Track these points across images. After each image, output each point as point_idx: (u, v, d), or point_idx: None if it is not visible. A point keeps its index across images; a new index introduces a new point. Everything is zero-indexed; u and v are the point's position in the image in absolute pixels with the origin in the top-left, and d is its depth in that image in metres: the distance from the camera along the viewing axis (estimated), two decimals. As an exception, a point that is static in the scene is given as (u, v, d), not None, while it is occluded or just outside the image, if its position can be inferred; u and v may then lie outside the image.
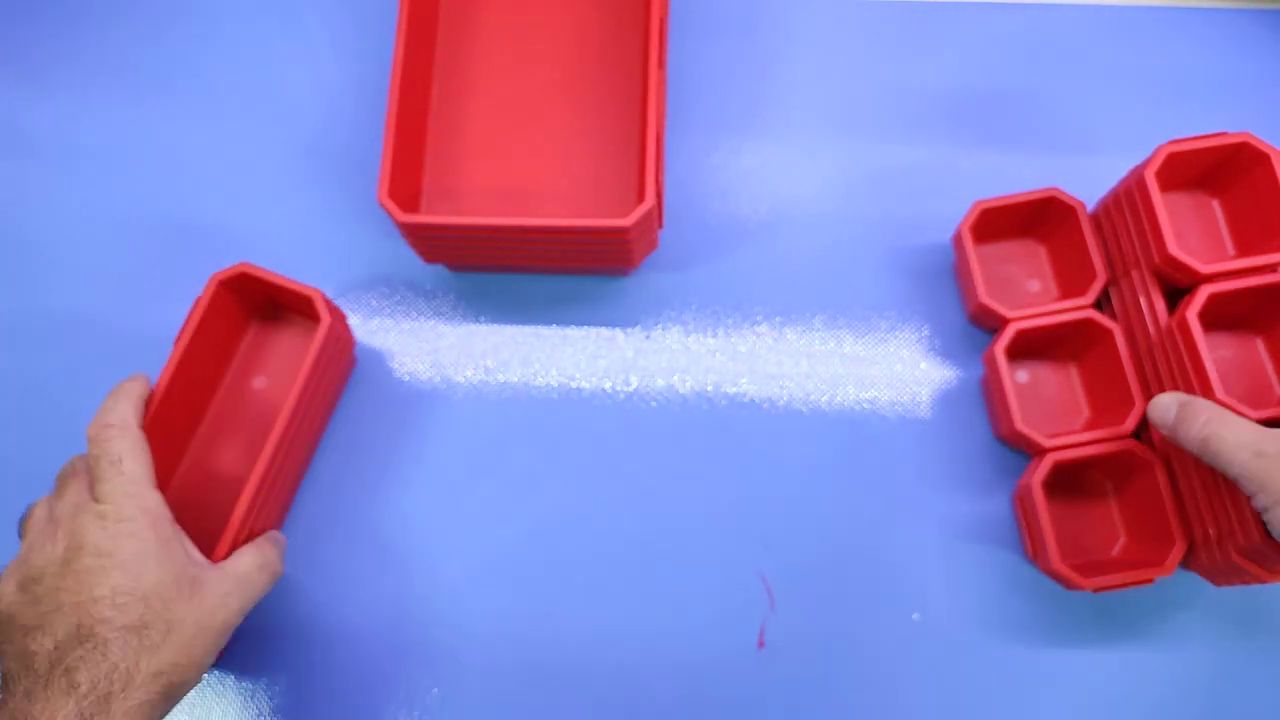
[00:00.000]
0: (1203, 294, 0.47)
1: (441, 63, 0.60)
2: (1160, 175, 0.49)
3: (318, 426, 0.54)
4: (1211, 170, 0.52)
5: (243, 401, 0.55)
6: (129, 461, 0.42)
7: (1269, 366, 0.50)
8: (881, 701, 0.52)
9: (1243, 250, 0.51)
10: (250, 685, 0.52)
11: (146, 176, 0.60)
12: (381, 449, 0.56)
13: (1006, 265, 0.57)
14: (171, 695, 0.39)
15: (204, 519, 0.52)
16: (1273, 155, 0.49)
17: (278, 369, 0.55)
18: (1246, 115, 0.60)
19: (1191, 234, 0.52)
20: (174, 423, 0.52)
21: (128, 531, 0.40)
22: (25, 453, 0.55)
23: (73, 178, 0.60)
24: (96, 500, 0.41)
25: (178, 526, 0.43)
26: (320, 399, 0.53)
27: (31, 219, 0.60)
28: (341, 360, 0.54)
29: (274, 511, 0.52)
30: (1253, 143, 0.49)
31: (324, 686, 0.52)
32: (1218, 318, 0.49)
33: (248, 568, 0.44)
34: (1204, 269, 0.47)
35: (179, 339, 0.51)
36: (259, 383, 0.55)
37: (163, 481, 0.52)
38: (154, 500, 0.42)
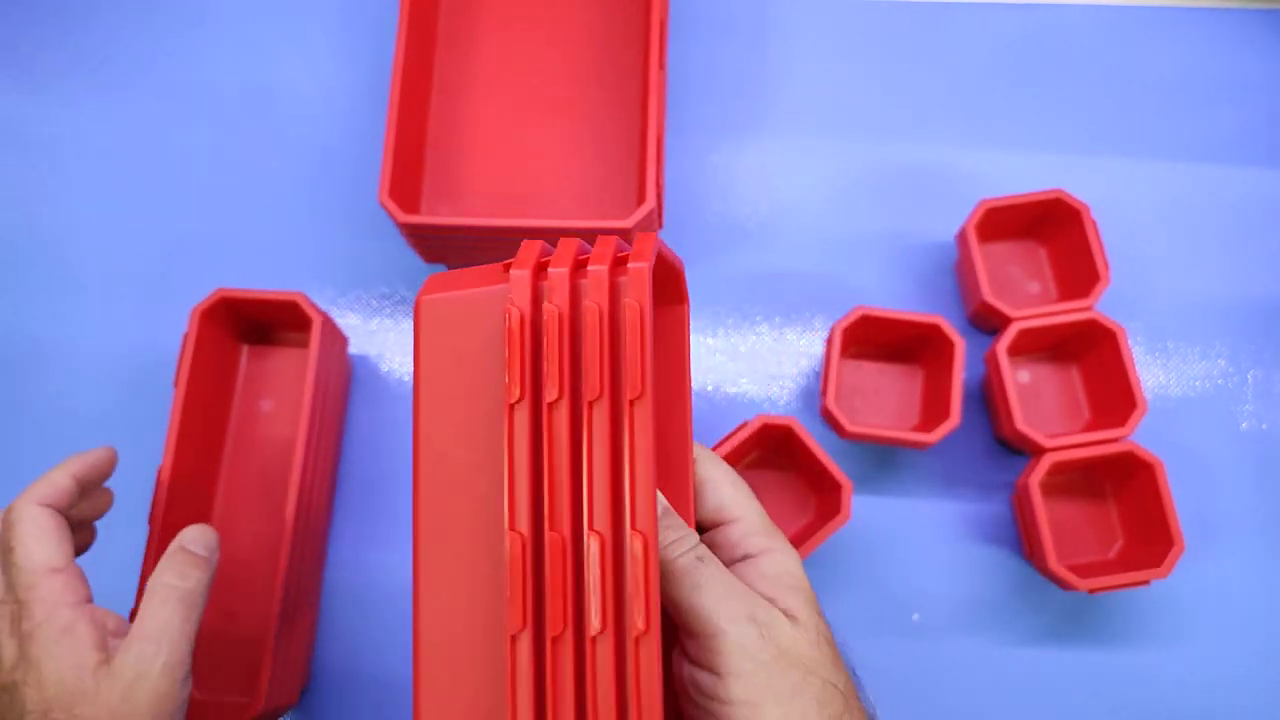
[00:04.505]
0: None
1: (441, 63, 0.60)
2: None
3: (335, 436, 0.54)
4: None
5: (256, 430, 0.53)
6: (20, 548, 0.37)
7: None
8: (880, 701, 0.51)
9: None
10: (251, 684, 0.52)
11: (146, 179, 0.60)
12: (381, 449, 0.56)
13: (1007, 266, 0.57)
14: None
15: (252, 559, 0.51)
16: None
17: (280, 389, 0.54)
18: (1248, 115, 0.60)
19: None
20: (194, 472, 0.50)
21: (26, 632, 0.35)
22: (26, 455, 0.55)
23: (73, 180, 0.60)
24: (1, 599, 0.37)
25: (83, 604, 0.37)
26: (332, 405, 0.53)
27: (32, 222, 0.60)
28: (341, 361, 0.54)
29: (318, 529, 0.51)
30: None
31: (329, 688, 0.52)
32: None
33: (156, 613, 0.37)
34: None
35: (177, 380, 0.49)
36: (266, 406, 0.54)
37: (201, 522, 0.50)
38: (48, 586, 0.36)
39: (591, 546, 0.27)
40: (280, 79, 0.62)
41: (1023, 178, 0.59)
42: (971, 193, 0.56)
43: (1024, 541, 0.52)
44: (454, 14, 0.61)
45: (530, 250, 0.29)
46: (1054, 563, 0.48)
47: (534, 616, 0.27)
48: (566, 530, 0.28)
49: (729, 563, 0.33)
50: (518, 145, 0.59)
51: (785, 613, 0.32)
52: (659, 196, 0.51)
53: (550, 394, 0.28)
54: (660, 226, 0.55)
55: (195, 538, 0.40)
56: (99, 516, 0.43)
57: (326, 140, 0.61)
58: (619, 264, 0.29)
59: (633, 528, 0.27)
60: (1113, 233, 0.55)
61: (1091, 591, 0.48)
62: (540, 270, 0.29)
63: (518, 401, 0.28)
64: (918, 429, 0.52)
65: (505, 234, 0.51)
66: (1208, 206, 0.59)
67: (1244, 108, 0.60)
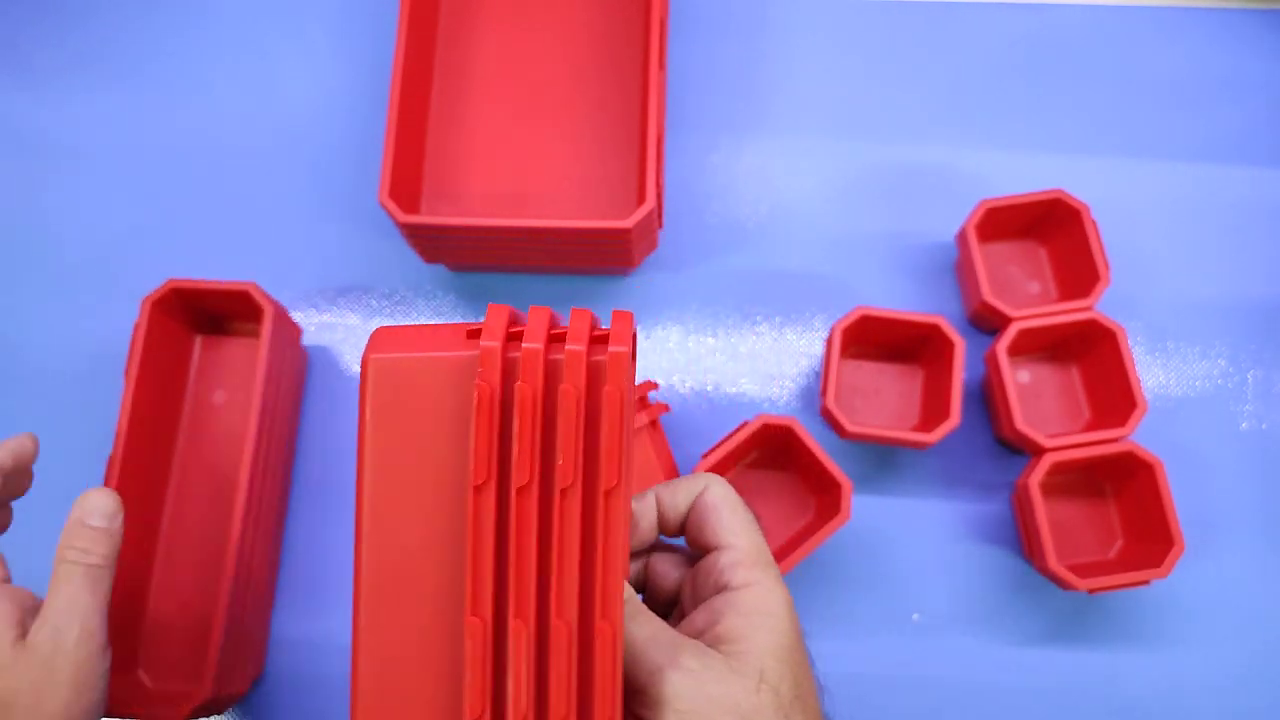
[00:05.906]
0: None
1: (441, 63, 0.60)
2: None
3: (289, 426, 0.54)
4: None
5: (209, 420, 0.54)
6: None
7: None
8: (881, 701, 0.52)
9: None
10: (251, 684, 0.52)
11: (146, 178, 0.60)
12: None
13: (1007, 266, 0.57)
14: None
15: (204, 549, 0.51)
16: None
17: (233, 380, 0.54)
18: (1248, 115, 0.60)
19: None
20: (145, 461, 0.50)
21: None
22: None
23: (73, 180, 0.60)
24: None
25: (1, 584, 0.39)
26: (285, 395, 0.53)
27: (29, 222, 0.60)
28: (295, 351, 0.54)
29: (270, 517, 0.52)
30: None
31: (306, 691, 0.52)
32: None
33: (63, 590, 0.38)
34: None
35: (127, 370, 0.49)
36: (219, 397, 0.54)
37: (153, 515, 0.51)
38: None
39: (558, 635, 0.26)
40: (280, 79, 0.62)
41: (1023, 178, 0.59)
42: (971, 193, 0.56)
43: (1024, 541, 0.52)
44: (454, 14, 0.61)
45: (499, 317, 0.27)
46: (1054, 563, 0.48)
47: (493, 703, 0.26)
48: (531, 618, 0.26)
49: (709, 593, 0.32)
50: (518, 145, 0.59)
51: (732, 656, 0.29)
52: (659, 196, 0.51)
53: (520, 478, 0.26)
54: (660, 226, 0.55)
55: (94, 508, 0.39)
56: (16, 498, 0.43)
57: (326, 140, 0.61)
58: (595, 342, 0.27)
59: (602, 618, 0.26)
60: (1113, 233, 0.55)
61: (1091, 591, 0.48)
62: (511, 341, 0.27)
63: (483, 484, 0.26)
64: (918, 429, 0.52)
65: (505, 234, 0.51)
66: (1208, 206, 0.59)
67: (1244, 108, 0.60)
